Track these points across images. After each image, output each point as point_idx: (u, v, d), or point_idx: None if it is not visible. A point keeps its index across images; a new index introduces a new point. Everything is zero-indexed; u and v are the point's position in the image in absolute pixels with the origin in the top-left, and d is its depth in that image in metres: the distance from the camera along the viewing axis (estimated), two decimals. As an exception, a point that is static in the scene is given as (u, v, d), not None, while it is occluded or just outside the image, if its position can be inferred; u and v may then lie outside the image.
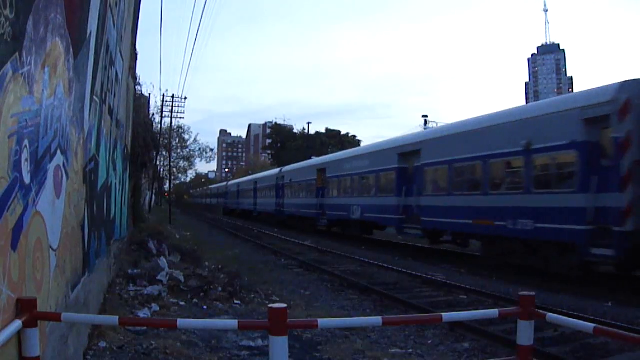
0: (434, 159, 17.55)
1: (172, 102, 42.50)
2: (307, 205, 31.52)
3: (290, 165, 40.08)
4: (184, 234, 27.15)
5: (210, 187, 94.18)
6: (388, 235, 25.41)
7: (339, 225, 27.78)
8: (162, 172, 51.30)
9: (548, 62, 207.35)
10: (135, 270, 10.81)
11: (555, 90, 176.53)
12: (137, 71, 21.36)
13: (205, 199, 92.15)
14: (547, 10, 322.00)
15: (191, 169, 65.25)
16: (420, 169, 18.46)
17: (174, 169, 53.20)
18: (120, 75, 9.61)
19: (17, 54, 2.77)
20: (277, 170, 40.72)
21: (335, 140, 74.70)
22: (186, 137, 51.77)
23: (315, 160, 35.56)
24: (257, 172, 58.74)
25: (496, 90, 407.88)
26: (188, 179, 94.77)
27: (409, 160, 19.63)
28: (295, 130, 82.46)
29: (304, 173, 33.55)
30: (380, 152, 22.38)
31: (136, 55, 18.17)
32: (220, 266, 13.74)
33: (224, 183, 77.27)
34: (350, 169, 25.56)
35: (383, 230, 24.58)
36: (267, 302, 9.54)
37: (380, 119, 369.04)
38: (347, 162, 26.12)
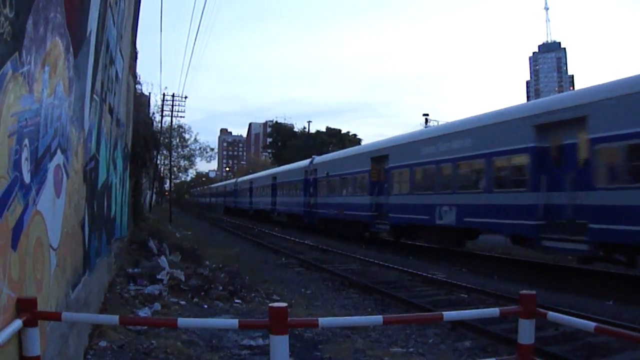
0: (399, 163, 20.04)
1: (173, 101, 42.49)
2: (355, 206, 24.04)
3: (325, 155, 33.75)
4: (184, 233, 27.17)
5: (217, 185, 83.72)
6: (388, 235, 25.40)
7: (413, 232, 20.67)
8: (162, 171, 51.31)
9: (549, 60, 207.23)
10: (136, 270, 10.81)
11: (556, 88, 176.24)
12: (137, 70, 21.36)
13: (210, 197, 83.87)
14: (548, 9, 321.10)
15: (191, 168, 65.21)
16: (388, 171, 20.90)
17: (174, 168, 53.16)
18: (120, 74, 9.60)
19: (16, 53, 2.77)
20: (305, 162, 32.47)
21: (335, 138, 74.65)
22: (187, 136, 51.76)
23: (366, 146, 28.33)
24: (257, 172, 58.29)
25: (497, 88, 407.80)
26: (189, 178, 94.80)
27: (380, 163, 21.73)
28: (295, 129, 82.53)
29: (349, 163, 25.39)
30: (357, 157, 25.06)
31: (136, 54, 18.17)
32: (220, 265, 13.74)
33: (233, 180, 67.38)
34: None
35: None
36: (267, 301, 9.54)
37: (381, 117, 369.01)
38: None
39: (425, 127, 41.30)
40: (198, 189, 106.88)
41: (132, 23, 12.68)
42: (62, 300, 4.23)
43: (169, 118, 43.27)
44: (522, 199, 13.33)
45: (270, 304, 3.64)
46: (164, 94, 43.25)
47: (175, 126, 47.03)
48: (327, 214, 27.21)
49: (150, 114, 35.57)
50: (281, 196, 36.39)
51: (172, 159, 47.94)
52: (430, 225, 17.84)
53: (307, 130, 75.47)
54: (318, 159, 30.87)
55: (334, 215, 26.41)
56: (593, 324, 3.61)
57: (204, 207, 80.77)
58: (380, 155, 21.69)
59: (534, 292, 4.08)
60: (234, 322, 4.12)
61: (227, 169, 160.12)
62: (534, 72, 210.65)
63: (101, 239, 7.39)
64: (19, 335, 3.05)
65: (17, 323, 2.89)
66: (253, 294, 10.34)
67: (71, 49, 4.25)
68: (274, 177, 39.57)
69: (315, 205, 28.80)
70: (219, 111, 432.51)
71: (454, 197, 16.54)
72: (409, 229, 20.11)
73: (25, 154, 3.04)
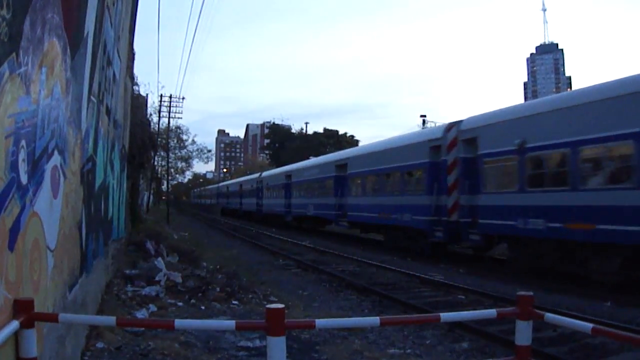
0: (356, 170, 24.31)
1: (170, 102, 42.49)
2: (323, 206, 28.33)
3: (359, 147, 33.25)
4: (181, 234, 27.13)
5: (218, 185, 78.69)
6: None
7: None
8: (159, 173, 51.23)
9: (546, 61, 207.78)
10: (133, 271, 10.79)
11: (554, 89, 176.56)
12: (135, 71, 21.32)
13: (209, 199, 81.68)
14: (545, 10, 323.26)
15: (189, 169, 65.17)
16: (347, 178, 25.32)
17: (172, 169, 53.09)
18: (117, 75, 9.58)
19: (14, 54, 2.76)
20: (333, 156, 30.17)
21: (333, 140, 74.68)
22: (184, 137, 51.72)
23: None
24: (256, 172, 58.16)
25: (495, 89, 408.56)
26: (186, 180, 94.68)
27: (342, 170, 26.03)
28: (293, 130, 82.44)
29: (316, 170, 30.61)
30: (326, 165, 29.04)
31: (134, 55, 18.14)
32: (218, 266, 13.72)
33: (236, 179, 63.83)
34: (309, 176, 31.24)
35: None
36: (265, 303, 9.53)
37: (379, 118, 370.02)
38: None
39: (423, 127, 41.59)
40: (196, 190, 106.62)
41: (130, 24, 12.66)
42: (59, 302, 4.22)
43: (167, 119, 43.29)
44: (420, 200, 17.86)
45: (267, 306, 3.64)
46: (161, 95, 43.17)
47: (173, 127, 47.05)
48: (301, 212, 32.57)
49: (148, 115, 35.57)
50: (268, 198, 41.48)
51: (170, 160, 47.89)
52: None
53: (304, 131, 75.52)
54: (350, 152, 33.70)
55: (305, 214, 31.64)
56: (590, 325, 3.62)
57: (204, 209, 79.89)
58: (342, 164, 26.27)
59: (531, 293, 4.09)
60: (231, 323, 4.13)
61: (225, 170, 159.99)
62: (532, 73, 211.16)
63: (98, 240, 7.38)
64: (16, 336, 3.04)
65: (14, 324, 2.89)
66: (250, 296, 10.33)
67: (68, 50, 4.24)
68: (287, 175, 43.35)
69: (290, 205, 34.91)
70: (217, 112, 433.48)
71: (381, 199, 21.49)
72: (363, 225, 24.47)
73: (22, 155, 3.04)
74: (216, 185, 77.08)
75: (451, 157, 16.51)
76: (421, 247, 18.23)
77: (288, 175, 35.80)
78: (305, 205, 31.13)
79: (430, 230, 17.19)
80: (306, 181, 31.85)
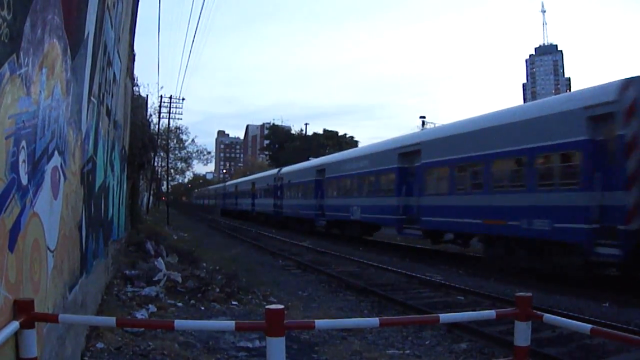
0: (334, 174, 27.79)
1: (170, 102, 42.51)
2: (306, 206, 31.89)
3: (436, 128, 26.19)
4: (181, 235, 27.13)
5: (224, 184, 72.62)
6: (386, 237, 25.48)
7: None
8: (159, 173, 51.23)
9: (546, 62, 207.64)
10: (133, 271, 10.80)
11: (553, 91, 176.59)
12: (135, 72, 21.32)
13: (213, 199, 78.08)
14: (544, 11, 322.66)
15: (189, 170, 65.14)
16: (325, 181, 28.85)
17: (172, 170, 53.08)
18: (118, 76, 9.59)
19: (14, 55, 2.77)
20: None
21: (333, 141, 74.76)
22: (184, 137, 51.72)
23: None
24: (256, 173, 57.88)
25: (494, 91, 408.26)
26: (186, 180, 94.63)
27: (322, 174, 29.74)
28: (293, 131, 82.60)
29: (302, 174, 33.45)
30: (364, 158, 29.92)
31: (134, 56, 18.16)
32: (217, 267, 13.73)
33: (247, 177, 57.74)
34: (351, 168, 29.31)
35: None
36: (264, 303, 9.54)
37: (378, 119, 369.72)
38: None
39: (422, 129, 41.63)
40: (196, 190, 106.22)
41: (130, 25, 12.68)
42: (59, 302, 4.23)
43: (167, 120, 43.30)
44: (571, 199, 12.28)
45: (266, 306, 3.64)
46: (161, 96, 43.21)
47: (173, 128, 47.06)
48: (340, 216, 31.91)
49: (148, 116, 35.57)
50: (259, 198, 44.81)
51: (169, 160, 47.89)
52: (346, 220, 25.61)
53: (304, 132, 75.54)
54: (284, 169, 38.75)
55: (293, 214, 34.41)
56: (589, 326, 3.63)
57: (209, 210, 77.82)
58: (321, 169, 29.85)
59: (530, 294, 4.10)
60: (230, 324, 4.13)
61: (225, 170, 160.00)
62: (531, 74, 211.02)
63: (98, 241, 7.39)
64: (16, 337, 3.05)
65: (14, 325, 2.89)
66: (250, 296, 10.34)
67: (69, 51, 4.25)
68: (253, 183, 48.36)
69: (281, 206, 36.81)
70: (217, 113, 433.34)
71: (359, 200, 24.07)
72: (336, 223, 27.76)
73: (22, 155, 3.05)
74: (222, 185, 74.73)
75: (631, 130, 10.97)
76: (565, 268, 12.49)
77: (320, 169, 30.31)
78: (347, 207, 25.29)
79: (591, 243, 11.43)
80: (348, 176, 26.10)
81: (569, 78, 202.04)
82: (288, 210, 35.34)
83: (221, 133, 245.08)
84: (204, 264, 14.30)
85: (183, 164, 57.00)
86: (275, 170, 41.70)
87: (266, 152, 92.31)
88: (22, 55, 2.91)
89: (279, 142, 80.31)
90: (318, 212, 29.49)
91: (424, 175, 18.69)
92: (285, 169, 38.56)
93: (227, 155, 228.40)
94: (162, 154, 43.48)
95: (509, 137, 14.22)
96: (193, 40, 67.35)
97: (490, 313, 4.55)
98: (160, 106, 42.27)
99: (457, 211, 16.23)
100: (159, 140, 38.88)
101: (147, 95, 36.11)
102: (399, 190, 20.43)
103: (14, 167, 2.88)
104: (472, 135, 16.02)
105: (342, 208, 26.05)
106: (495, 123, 15.21)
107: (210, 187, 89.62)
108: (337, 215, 26.93)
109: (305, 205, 31.55)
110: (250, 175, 59.55)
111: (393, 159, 20.93)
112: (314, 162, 34.73)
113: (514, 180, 14.31)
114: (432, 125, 41.81)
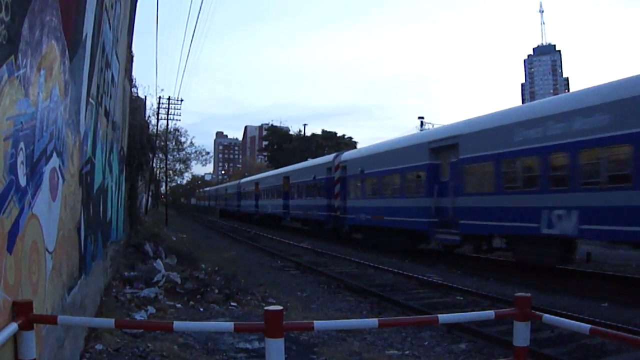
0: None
1: (168, 104, 42.45)
2: (314, 207, 29.71)
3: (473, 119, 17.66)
4: (180, 236, 27.10)
5: (235, 183, 63.72)
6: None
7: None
8: (158, 175, 51.15)
9: (544, 63, 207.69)
10: (132, 273, 10.78)
11: (552, 91, 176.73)
12: (133, 73, 21.29)
13: (218, 201, 72.67)
14: (542, 11, 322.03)
15: (187, 171, 64.99)
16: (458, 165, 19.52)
17: (170, 171, 52.98)
18: (116, 77, 9.58)
19: (12, 56, 2.77)
20: (420, 135, 23.06)
21: (331, 142, 74.70)
22: (182, 139, 51.63)
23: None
24: (254, 174, 57.59)
25: (492, 91, 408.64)
26: (184, 181, 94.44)
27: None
28: (291, 132, 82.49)
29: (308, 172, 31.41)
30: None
31: (132, 57, 18.12)
32: (216, 268, 13.70)
33: (259, 175, 51.99)
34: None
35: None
36: (263, 304, 9.53)
37: (377, 120, 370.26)
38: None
39: (421, 129, 41.66)
40: (199, 190, 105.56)
41: (128, 26, 12.66)
42: (58, 304, 4.22)
43: (165, 121, 43.23)
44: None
45: (265, 307, 3.64)
46: (159, 97, 43.16)
47: (171, 129, 46.99)
48: (297, 214, 33.54)
49: (147, 118, 35.52)
50: (263, 199, 43.78)
51: (168, 162, 47.83)
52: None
53: (302, 133, 75.52)
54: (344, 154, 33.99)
55: (301, 215, 33.20)
56: (588, 326, 3.63)
57: (213, 212, 75.07)
58: (442, 146, 21.67)
59: (529, 294, 4.10)
60: (229, 325, 4.13)
61: (223, 172, 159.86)
62: (529, 74, 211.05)
63: (97, 242, 7.37)
64: (15, 338, 3.04)
65: (13, 326, 2.89)
66: (249, 297, 10.33)
67: (67, 53, 4.25)
68: (255, 183, 47.91)
69: (288, 207, 35.64)
70: (215, 114, 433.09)
71: (368, 201, 22.27)
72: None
73: (21, 157, 3.04)
74: (224, 185, 73.45)
75: None
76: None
77: (343, 165, 25.56)
78: (369, 208, 22.32)
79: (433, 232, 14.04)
80: (374, 175, 22.23)
81: (567, 78, 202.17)
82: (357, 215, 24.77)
83: (219, 134, 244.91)
84: (203, 265, 14.29)
85: (182, 165, 56.93)
86: (330, 157, 29.31)
87: (265, 153, 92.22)
88: (20, 56, 2.90)
89: (277, 143, 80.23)
90: (434, 219, 19.67)
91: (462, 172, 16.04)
92: (345, 154, 27.23)
93: (226, 156, 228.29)
94: (160, 155, 43.42)
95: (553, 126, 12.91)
96: (191, 42, 67.50)
97: (489, 313, 4.55)
98: (158, 107, 42.21)
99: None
100: (157, 142, 38.83)
101: (146, 97, 36.11)
102: (430, 190, 17.50)
103: (12, 169, 2.88)
104: None
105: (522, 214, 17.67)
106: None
107: (215, 187, 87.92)
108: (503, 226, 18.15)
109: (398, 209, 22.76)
110: (249, 176, 59.24)
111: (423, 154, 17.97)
112: (417, 136, 23.67)
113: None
114: (430, 126, 41.84)
